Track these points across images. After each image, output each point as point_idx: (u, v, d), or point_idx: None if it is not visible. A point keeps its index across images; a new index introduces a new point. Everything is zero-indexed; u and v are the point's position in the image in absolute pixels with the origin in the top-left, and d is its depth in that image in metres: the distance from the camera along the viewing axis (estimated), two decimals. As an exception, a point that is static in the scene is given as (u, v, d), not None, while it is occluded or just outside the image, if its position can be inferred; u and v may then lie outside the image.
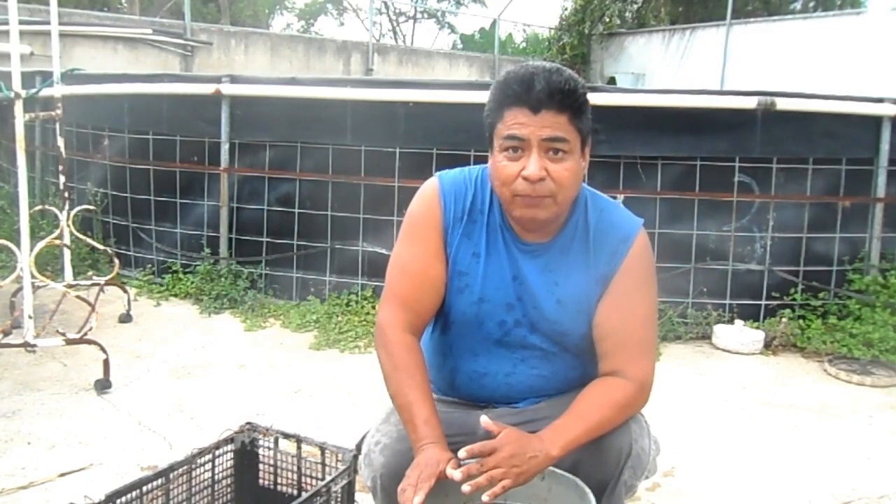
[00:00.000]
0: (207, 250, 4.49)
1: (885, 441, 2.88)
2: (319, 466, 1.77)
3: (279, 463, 1.82)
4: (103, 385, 3.04)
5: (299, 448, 1.79)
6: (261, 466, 1.85)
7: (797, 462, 2.67)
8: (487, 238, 1.51)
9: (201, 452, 1.72)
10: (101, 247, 4.36)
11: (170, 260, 4.61)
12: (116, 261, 4.10)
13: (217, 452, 1.77)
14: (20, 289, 3.27)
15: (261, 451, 1.84)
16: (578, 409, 1.43)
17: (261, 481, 1.84)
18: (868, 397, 3.31)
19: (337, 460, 1.75)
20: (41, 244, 3.56)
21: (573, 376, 1.57)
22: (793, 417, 3.07)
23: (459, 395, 1.65)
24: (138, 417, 2.84)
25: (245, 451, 1.84)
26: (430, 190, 1.55)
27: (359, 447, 1.66)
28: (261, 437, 1.84)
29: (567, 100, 1.37)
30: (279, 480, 1.82)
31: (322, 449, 1.76)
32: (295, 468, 1.81)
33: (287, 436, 1.80)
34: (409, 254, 1.55)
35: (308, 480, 1.80)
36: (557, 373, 1.57)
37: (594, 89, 4.47)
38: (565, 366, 1.57)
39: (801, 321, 3.95)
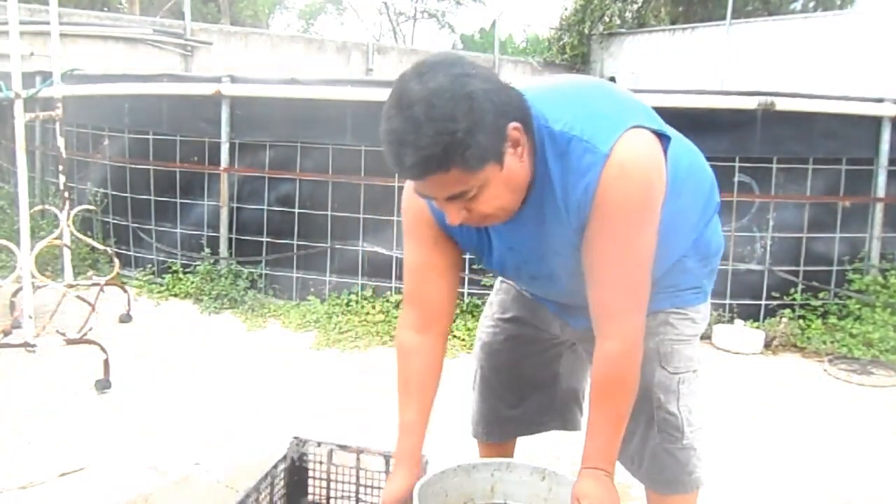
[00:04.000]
0: (207, 250, 4.49)
1: (886, 441, 2.87)
2: (381, 476, 1.74)
3: (332, 476, 1.77)
4: (103, 385, 3.04)
5: (359, 459, 1.75)
6: (310, 482, 1.79)
7: (797, 462, 2.67)
8: None
9: (264, 478, 1.65)
10: (101, 247, 4.36)
11: (170, 260, 4.61)
12: (116, 261, 4.11)
13: (274, 473, 1.71)
14: (20, 289, 3.27)
15: (310, 465, 1.79)
16: (594, 420, 1.42)
17: (310, 496, 1.79)
18: (868, 397, 3.31)
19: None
20: (41, 244, 3.56)
21: None
22: (793, 418, 3.07)
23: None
24: (138, 418, 2.84)
25: (294, 467, 1.78)
26: (413, 193, 1.49)
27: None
28: (311, 450, 1.77)
29: (445, 161, 1.18)
30: (332, 494, 1.77)
31: (386, 458, 1.74)
32: (353, 480, 1.77)
33: (343, 448, 1.76)
34: (408, 250, 1.54)
35: (368, 491, 1.77)
36: None
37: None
38: None
39: (801, 321, 3.95)
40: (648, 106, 1.38)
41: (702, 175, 1.52)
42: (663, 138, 1.33)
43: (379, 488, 1.78)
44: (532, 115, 1.28)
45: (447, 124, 1.16)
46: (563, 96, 1.35)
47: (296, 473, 1.77)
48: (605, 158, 1.26)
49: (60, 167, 3.85)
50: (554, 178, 1.31)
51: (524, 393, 1.81)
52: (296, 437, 1.78)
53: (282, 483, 1.73)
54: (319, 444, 1.77)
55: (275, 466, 1.70)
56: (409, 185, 1.49)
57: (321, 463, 1.77)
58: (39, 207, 4.46)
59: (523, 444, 1.91)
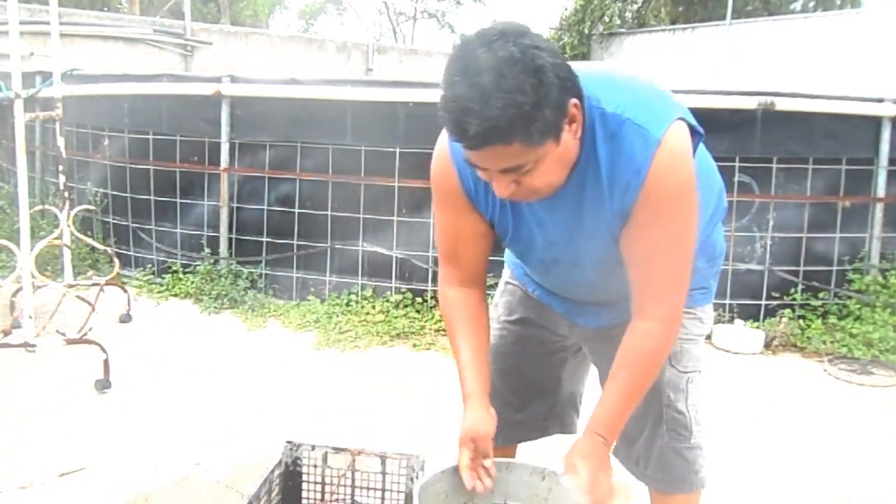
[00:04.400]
0: (207, 250, 4.49)
1: (886, 441, 2.87)
2: (378, 477, 1.74)
3: (327, 479, 1.75)
4: (103, 385, 3.04)
5: (353, 462, 1.74)
6: (305, 486, 1.77)
7: (797, 462, 2.67)
8: None
9: (263, 483, 1.63)
10: (101, 247, 4.36)
11: (170, 260, 4.61)
12: (116, 261, 4.11)
13: (271, 478, 1.69)
14: (20, 289, 3.27)
15: (304, 468, 1.77)
16: (610, 388, 1.44)
17: (305, 502, 1.78)
18: (868, 397, 3.31)
19: (400, 467, 1.71)
20: (41, 244, 3.56)
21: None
22: (793, 418, 3.07)
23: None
24: (138, 418, 2.84)
25: (288, 471, 1.76)
26: (441, 156, 1.50)
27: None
28: (305, 454, 1.75)
29: (510, 133, 1.16)
30: (327, 498, 1.76)
31: (382, 459, 1.73)
32: (348, 482, 1.76)
33: (338, 450, 1.74)
34: (440, 217, 1.56)
35: (364, 493, 1.76)
36: (610, 283, 1.52)
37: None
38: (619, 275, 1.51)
39: (801, 321, 3.95)
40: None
41: (715, 178, 1.54)
42: (696, 135, 1.37)
43: (376, 489, 1.77)
44: (584, 94, 1.28)
45: (516, 96, 1.13)
46: (612, 80, 1.35)
47: (290, 478, 1.76)
48: (657, 144, 1.27)
49: (60, 167, 3.85)
50: (601, 158, 1.31)
51: (528, 397, 1.80)
52: (289, 442, 1.76)
53: (277, 489, 1.72)
54: (314, 448, 1.75)
55: (271, 472, 1.69)
56: (439, 154, 1.50)
57: (316, 466, 1.75)
58: (39, 207, 4.46)
59: (524, 443, 1.91)
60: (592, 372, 1.81)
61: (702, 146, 1.49)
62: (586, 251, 1.45)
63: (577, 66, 1.31)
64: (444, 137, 1.46)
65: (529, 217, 1.45)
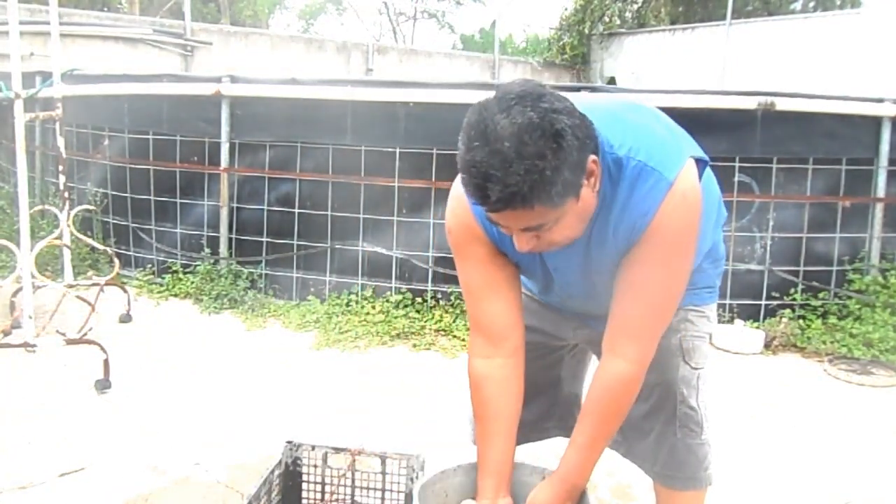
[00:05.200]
0: (207, 250, 4.49)
1: (885, 441, 2.87)
2: (378, 477, 1.73)
3: (327, 479, 1.75)
4: (103, 385, 3.04)
5: (353, 462, 1.74)
6: (305, 486, 1.77)
7: (797, 462, 2.67)
8: None
9: (263, 483, 1.62)
10: (101, 247, 4.36)
11: (170, 260, 4.61)
12: (116, 261, 4.11)
13: (271, 479, 1.68)
14: (20, 289, 3.27)
15: (304, 468, 1.76)
16: (577, 435, 1.45)
17: (305, 502, 1.77)
18: (868, 397, 3.31)
19: (400, 467, 1.71)
20: (41, 244, 3.56)
21: None
22: (793, 417, 3.07)
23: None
24: (138, 418, 2.84)
25: (288, 471, 1.76)
26: (460, 206, 1.46)
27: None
28: (305, 454, 1.75)
29: (531, 198, 1.17)
30: (327, 497, 1.76)
31: (382, 459, 1.73)
32: (348, 482, 1.75)
33: (338, 450, 1.74)
34: (463, 272, 1.52)
35: (364, 493, 1.76)
36: None
37: (594, 89, 4.48)
38: None
39: (801, 321, 3.95)
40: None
41: (714, 189, 1.56)
42: (700, 163, 1.38)
43: (376, 489, 1.77)
44: (598, 141, 1.30)
45: (536, 162, 1.15)
46: (620, 120, 1.36)
47: (290, 478, 1.76)
48: (669, 186, 1.30)
49: (60, 167, 3.85)
50: (611, 201, 1.33)
51: (526, 398, 1.80)
52: (289, 442, 1.76)
53: (277, 489, 1.72)
54: (314, 448, 1.75)
55: (271, 472, 1.68)
56: (456, 204, 1.47)
57: (315, 466, 1.76)
58: (39, 207, 4.46)
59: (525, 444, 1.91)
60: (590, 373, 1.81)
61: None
62: (599, 284, 1.47)
63: (588, 104, 1.32)
64: (458, 186, 1.45)
65: (548, 261, 1.49)
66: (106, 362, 3.05)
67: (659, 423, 1.62)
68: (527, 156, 1.14)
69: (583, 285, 1.51)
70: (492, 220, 1.28)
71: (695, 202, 1.34)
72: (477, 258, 1.47)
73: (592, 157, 1.25)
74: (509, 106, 1.17)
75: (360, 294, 4.21)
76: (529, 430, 1.83)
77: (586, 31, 14.53)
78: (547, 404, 1.84)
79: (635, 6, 15.46)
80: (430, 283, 4.14)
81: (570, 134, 1.18)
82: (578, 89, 4.34)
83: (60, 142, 3.84)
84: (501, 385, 1.49)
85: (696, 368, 1.62)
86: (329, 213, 4.26)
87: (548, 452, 2.48)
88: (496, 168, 1.15)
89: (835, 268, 4.07)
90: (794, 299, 4.02)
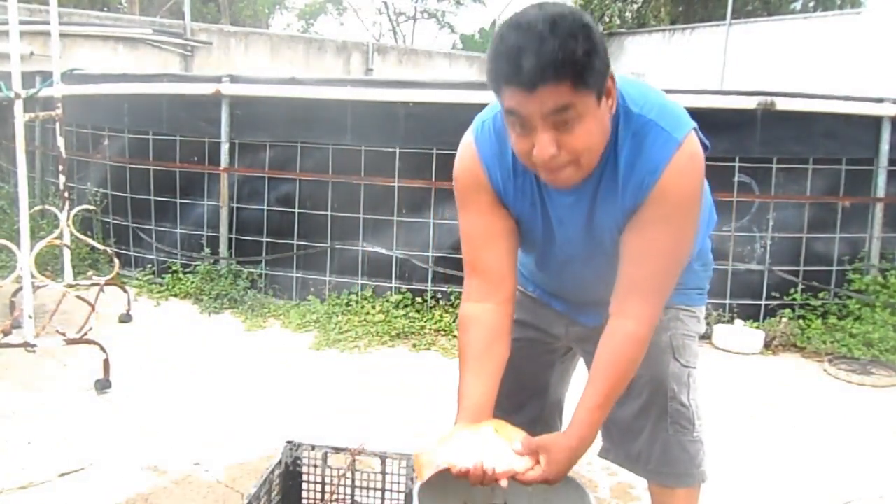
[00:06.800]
0: (207, 250, 4.49)
1: (885, 441, 2.87)
2: (378, 477, 1.73)
3: (327, 479, 1.75)
4: (103, 385, 3.04)
5: (353, 462, 1.74)
6: (305, 486, 1.77)
7: (797, 462, 2.67)
8: (538, 186, 1.46)
9: (263, 483, 1.61)
10: (101, 247, 4.36)
11: (170, 260, 4.61)
12: (116, 261, 4.11)
13: (271, 478, 1.68)
14: (20, 289, 3.27)
15: (304, 468, 1.76)
16: (588, 395, 1.43)
17: (305, 501, 1.77)
18: (868, 397, 3.31)
19: (400, 467, 1.71)
20: (41, 244, 3.56)
21: None
22: (793, 417, 3.07)
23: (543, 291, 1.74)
24: (138, 418, 2.84)
25: (288, 471, 1.76)
26: (469, 155, 1.48)
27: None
28: (305, 454, 1.75)
29: (564, 70, 1.19)
30: (328, 498, 1.76)
31: (382, 459, 1.72)
32: (348, 482, 1.75)
33: (338, 450, 1.73)
34: (464, 220, 1.53)
35: (364, 493, 1.75)
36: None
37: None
38: None
39: (801, 321, 3.95)
40: None
41: (707, 189, 1.57)
42: (703, 147, 1.42)
43: (376, 489, 1.77)
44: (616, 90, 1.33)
45: (569, 41, 1.19)
46: (633, 84, 1.40)
47: (290, 478, 1.75)
48: (677, 145, 1.33)
49: (60, 167, 3.85)
50: (620, 154, 1.36)
51: (521, 401, 1.80)
52: (289, 442, 1.76)
53: (277, 489, 1.72)
54: (314, 448, 1.75)
55: (271, 472, 1.69)
56: (465, 151, 1.49)
57: (315, 466, 1.76)
58: (39, 207, 4.46)
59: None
60: (574, 381, 1.82)
61: None
62: (598, 247, 1.47)
63: None
64: (469, 136, 1.49)
65: (552, 214, 1.47)
66: (106, 362, 3.05)
67: (650, 421, 1.63)
68: (559, 35, 1.19)
69: (584, 246, 1.49)
70: (515, 114, 1.27)
71: (700, 166, 1.37)
72: (479, 206, 1.48)
73: (611, 76, 1.28)
74: (541, 4, 1.25)
75: (360, 294, 4.21)
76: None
77: (586, 31, 14.52)
78: (538, 409, 1.85)
79: (635, 6, 15.47)
80: (430, 283, 4.14)
81: (597, 33, 1.23)
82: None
83: (60, 142, 3.84)
84: (490, 328, 1.49)
85: (686, 366, 1.64)
86: (329, 213, 4.26)
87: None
88: (530, 43, 1.19)
89: (835, 268, 4.07)
90: (794, 299, 4.02)
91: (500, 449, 1.37)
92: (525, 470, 1.36)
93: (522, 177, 1.45)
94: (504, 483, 1.36)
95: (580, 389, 1.47)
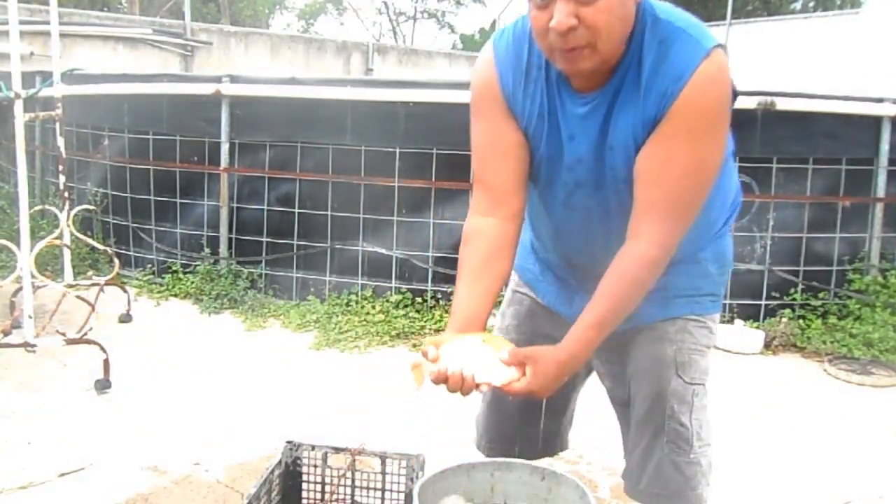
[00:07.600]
0: (207, 250, 4.49)
1: (885, 441, 2.87)
2: (378, 477, 1.72)
3: (327, 479, 1.74)
4: (103, 385, 3.04)
5: (353, 462, 1.73)
6: (304, 486, 1.76)
7: (797, 462, 2.67)
8: (548, 95, 1.40)
9: (263, 483, 1.60)
10: (101, 247, 4.36)
11: (170, 260, 4.61)
12: (116, 261, 4.11)
13: (270, 479, 1.67)
14: (20, 289, 3.27)
15: (304, 468, 1.75)
16: (588, 313, 1.36)
17: (305, 502, 1.77)
18: (868, 397, 3.31)
19: (400, 467, 1.70)
20: (41, 244, 3.56)
21: None
22: (793, 417, 3.07)
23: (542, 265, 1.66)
24: (138, 418, 2.84)
25: (288, 471, 1.76)
26: (484, 61, 1.45)
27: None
28: (305, 454, 1.74)
29: None
30: (328, 498, 1.75)
31: (382, 459, 1.71)
32: (348, 482, 1.74)
33: (338, 450, 1.72)
34: (476, 131, 1.48)
35: (364, 493, 1.75)
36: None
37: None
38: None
39: (801, 321, 3.95)
40: None
41: (734, 167, 1.52)
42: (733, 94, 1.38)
43: (376, 489, 1.77)
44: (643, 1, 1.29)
45: None
46: (664, 3, 1.36)
47: (290, 478, 1.75)
48: (706, 53, 1.27)
49: (60, 167, 3.85)
50: (645, 60, 1.29)
51: (535, 417, 1.71)
52: (289, 442, 1.76)
53: (277, 489, 1.72)
54: (314, 448, 1.74)
55: (271, 472, 1.68)
56: (482, 59, 1.46)
57: (315, 466, 1.75)
58: (39, 207, 4.46)
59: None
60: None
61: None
62: (609, 172, 1.39)
63: None
64: (492, 44, 1.45)
65: (563, 127, 1.40)
66: (106, 362, 3.05)
67: (645, 439, 1.55)
68: None
69: (594, 170, 1.40)
70: None
71: (726, 80, 1.31)
72: (490, 117, 1.44)
73: None
74: None
75: (360, 294, 4.21)
76: (533, 450, 1.77)
77: (586, 31, 14.52)
78: (555, 427, 1.78)
79: (635, 6, 15.46)
80: (430, 283, 4.14)
81: None
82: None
83: (60, 142, 3.84)
84: (491, 242, 1.44)
85: (690, 384, 1.53)
86: (329, 213, 4.26)
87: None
88: None
89: (835, 268, 4.07)
90: (794, 299, 4.02)
91: (485, 358, 1.32)
92: (510, 380, 1.30)
93: (535, 84, 1.40)
94: (484, 389, 1.30)
95: (587, 392, 1.44)
